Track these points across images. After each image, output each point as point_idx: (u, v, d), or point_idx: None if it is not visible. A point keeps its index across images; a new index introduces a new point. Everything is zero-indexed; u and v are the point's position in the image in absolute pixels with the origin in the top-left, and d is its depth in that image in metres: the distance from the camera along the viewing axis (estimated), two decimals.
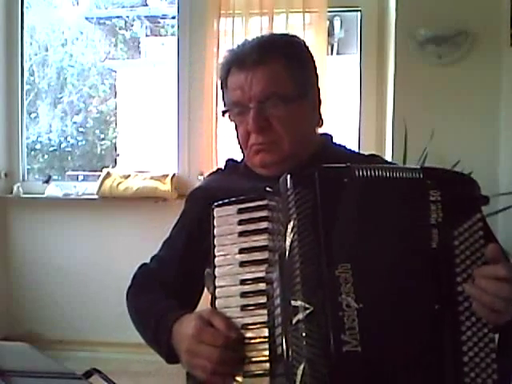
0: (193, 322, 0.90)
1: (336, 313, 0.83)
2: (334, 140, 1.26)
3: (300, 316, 0.84)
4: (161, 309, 1.04)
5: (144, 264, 1.21)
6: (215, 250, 0.95)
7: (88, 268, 3.14)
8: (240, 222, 0.95)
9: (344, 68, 3.81)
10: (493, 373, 0.84)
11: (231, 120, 1.15)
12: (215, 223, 0.96)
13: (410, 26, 2.60)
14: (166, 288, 1.11)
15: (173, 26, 3.92)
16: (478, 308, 0.85)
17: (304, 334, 0.83)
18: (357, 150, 1.28)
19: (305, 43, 1.19)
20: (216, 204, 0.98)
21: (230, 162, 1.26)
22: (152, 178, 3.10)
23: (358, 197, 0.90)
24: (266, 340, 0.88)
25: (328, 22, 3.03)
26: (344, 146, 1.25)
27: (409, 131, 2.48)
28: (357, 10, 3.00)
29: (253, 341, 0.89)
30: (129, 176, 3.14)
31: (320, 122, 1.18)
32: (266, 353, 0.88)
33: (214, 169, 1.35)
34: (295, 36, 1.21)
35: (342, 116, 3.37)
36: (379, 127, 2.92)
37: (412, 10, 2.61)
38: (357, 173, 0.90)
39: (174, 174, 3.07)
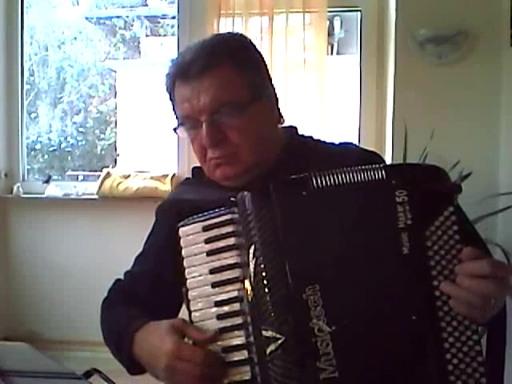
0: (169, 337, 0.87)
1: (308, 340, 0.81)
2: (301, 132, 1.19)
3: (272, 347, 0.82)
4: (123, 319, 1.01)
5: (118, 279, 1.19)
6: (185, 272, 0.91)
7: (88, 268, 3.13)
8: (207, 241, 0.90)
9: (344, 68, 3.81)
10: (480, 377, 0.80)
11: (183, 135, 1.09)
12: (182, 244, 0.92)
13: (410, 25, 2.60)
14: (140, 303, 1.07)
15: (173, 26, 3.92)
16: (456, 305, 0.81)
17: (279, 366, 0.81)
18: (327, 141, 1.18)
19: (251, 41, 1.10)
20: (180, 224, 0.93)
21: (196, 169, 1.20)
22: (152, 178, 3.10)
23: (319, 210, 0.85)
24: (247, 361, 0.86)
25: (328, 22, 3.02)
26: (311, 137, 1.18)
27: (409, 131, 2.48)
28: (357, 10, 3.00)
29: (234, 363, 0.86)
30: (129, 176, 3.13)
31: (281, 120, 1.11)
32: (248, 375, 0.86)
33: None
34: (239, 34, 1.12)
35: (342, 116, 3.38)
36: (379, 127, 2.91)
37: (412, 10, 2.61)
38: (315, 183, 0.84)
39: (173, 174, 3.07)
